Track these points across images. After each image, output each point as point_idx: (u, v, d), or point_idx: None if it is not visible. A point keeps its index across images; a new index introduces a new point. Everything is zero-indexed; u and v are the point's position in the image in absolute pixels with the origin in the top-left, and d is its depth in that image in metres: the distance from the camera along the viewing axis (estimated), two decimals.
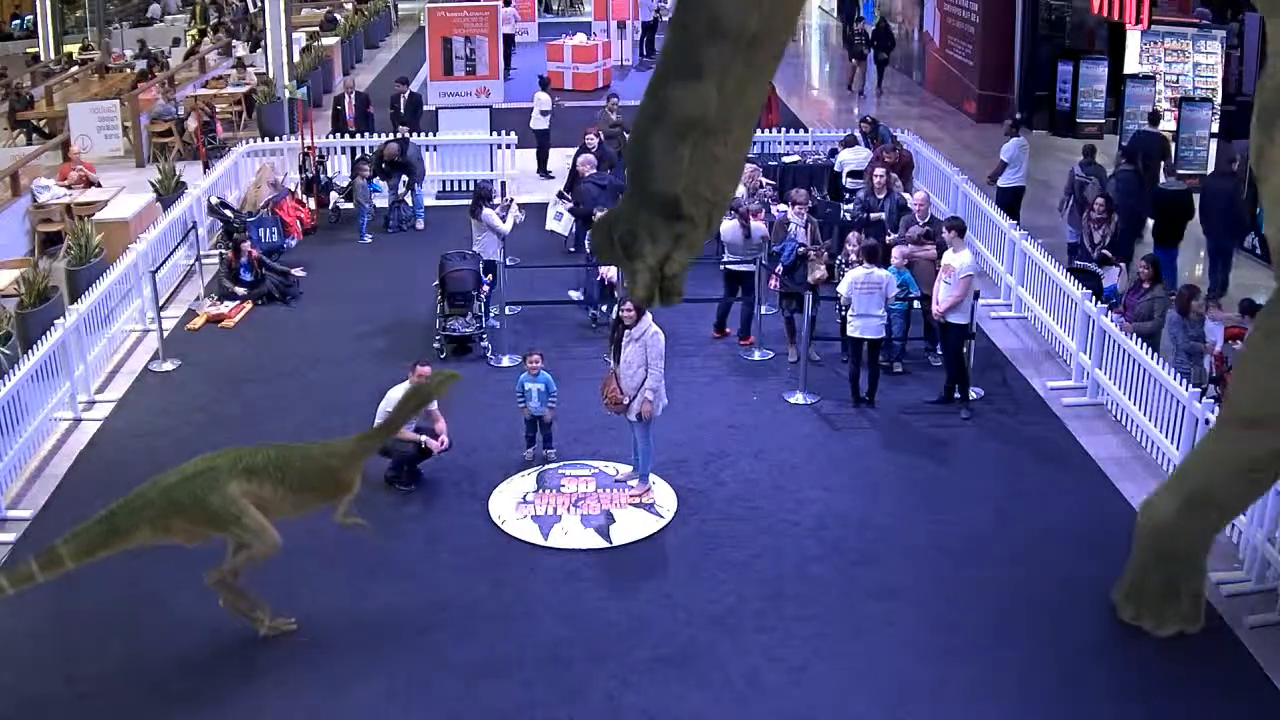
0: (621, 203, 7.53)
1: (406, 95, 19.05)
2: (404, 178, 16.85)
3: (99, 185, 17.33)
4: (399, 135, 17.26)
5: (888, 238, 13.13)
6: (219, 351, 12.87)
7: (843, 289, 11.39)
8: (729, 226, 12.65)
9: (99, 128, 19.76)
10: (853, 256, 12.01)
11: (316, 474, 7.84)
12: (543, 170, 19.21)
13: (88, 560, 7.40)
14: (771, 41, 6.99)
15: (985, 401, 11.54)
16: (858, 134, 17.36)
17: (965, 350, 11.36)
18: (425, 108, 19.70)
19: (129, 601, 8.45)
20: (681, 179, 6.98)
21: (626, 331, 9.72)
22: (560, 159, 18.50)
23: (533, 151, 19.30)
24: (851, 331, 11.35)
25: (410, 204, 16.95)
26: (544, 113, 19.21)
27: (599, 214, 13.14)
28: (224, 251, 14.94)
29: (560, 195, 15.70)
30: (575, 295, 13.67)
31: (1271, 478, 7.83)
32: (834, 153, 17.03)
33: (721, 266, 12.90)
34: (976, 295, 11.46)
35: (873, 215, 13.77)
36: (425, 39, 20.50)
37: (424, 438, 9.83)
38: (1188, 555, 7.95)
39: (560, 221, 15.16)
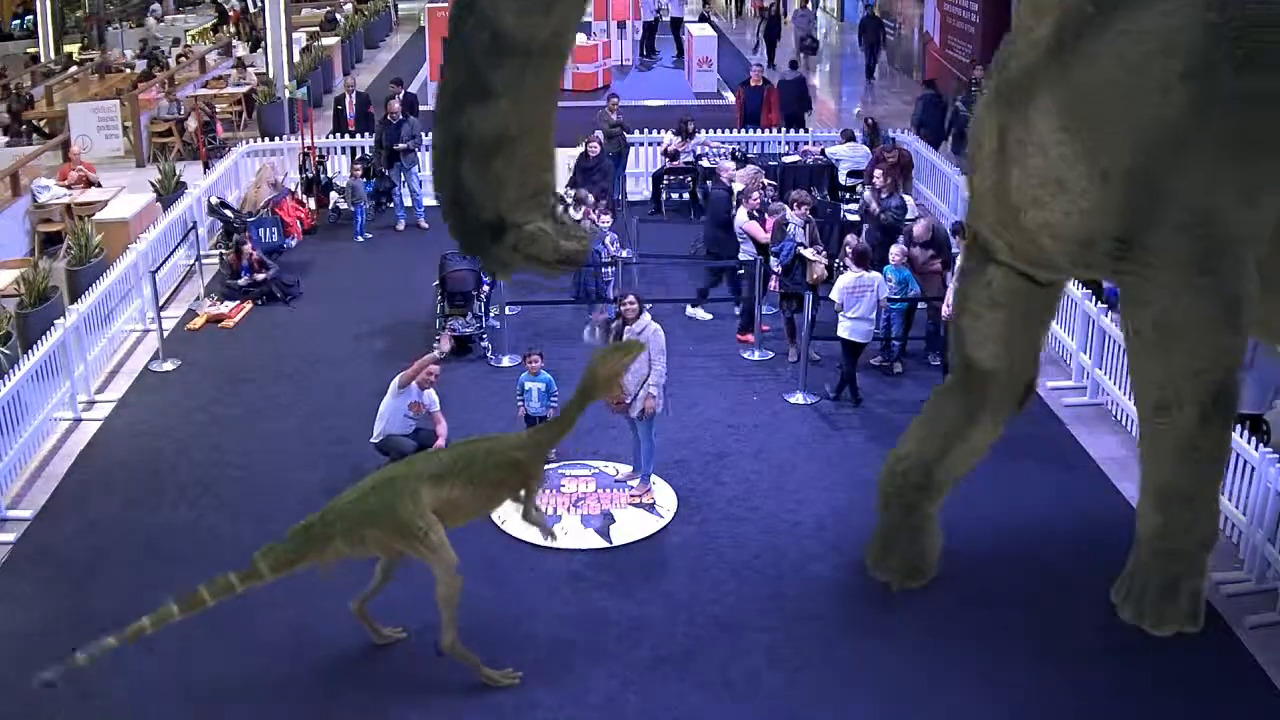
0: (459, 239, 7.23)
1: (401, 96, 19.04)
2: (400, 162, 16.85)
3: (99, 185, 17.33)
4: (403, 92, 17.63)
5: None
6: (219, 351, 12.87)
7: (835, 295, 11.41)
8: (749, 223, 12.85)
9: (99, 128, 19.76)
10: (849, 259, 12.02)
11: (503, 466, 7.73)
12: None
13: (285, 573, 7.33)
14: (560, 45, 6.81)
15: None
16: (856, 131, 17.37)
17: None
18: (424, 107, 19.70)
19: (131, 600, 8.42)
20: (503, 197, 6.79)
21: (628, 327, 9.70)
22: (563, 157, 18.48)
23: None
24: (841, 332, 11.39)
25: (406, 194, 16.94)
26: None
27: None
28: (224, 253, 14.95)
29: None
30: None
31: (1212, 454, 7.60)
32: (823, 151, 17.08)
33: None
34: None
35: (883, 217, 13.71)
36: (425, 39, 20.52)
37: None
38: (1187, 554, 7.94)
39: None
